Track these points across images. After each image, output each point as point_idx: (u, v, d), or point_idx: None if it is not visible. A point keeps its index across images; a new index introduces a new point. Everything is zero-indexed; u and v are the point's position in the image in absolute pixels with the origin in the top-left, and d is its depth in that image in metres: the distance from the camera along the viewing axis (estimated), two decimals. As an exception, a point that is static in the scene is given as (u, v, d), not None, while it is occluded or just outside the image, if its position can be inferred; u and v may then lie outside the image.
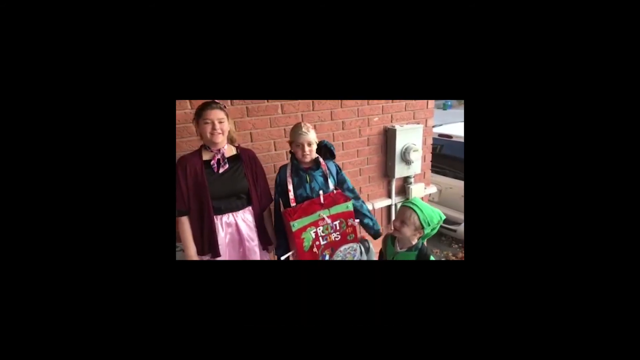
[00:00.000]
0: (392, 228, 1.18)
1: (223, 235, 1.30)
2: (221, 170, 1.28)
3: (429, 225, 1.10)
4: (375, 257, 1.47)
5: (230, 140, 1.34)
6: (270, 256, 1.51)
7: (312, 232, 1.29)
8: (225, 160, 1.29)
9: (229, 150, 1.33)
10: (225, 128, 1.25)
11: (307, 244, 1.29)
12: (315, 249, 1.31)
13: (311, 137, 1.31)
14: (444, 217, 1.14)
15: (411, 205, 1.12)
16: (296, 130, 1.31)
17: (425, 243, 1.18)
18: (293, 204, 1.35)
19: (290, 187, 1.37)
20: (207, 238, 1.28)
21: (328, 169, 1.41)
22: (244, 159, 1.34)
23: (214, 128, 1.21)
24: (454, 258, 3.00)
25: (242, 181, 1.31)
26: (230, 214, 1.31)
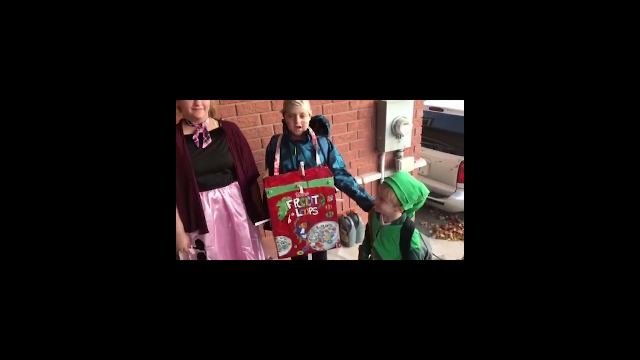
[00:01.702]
0: (375, 205, 1.18)
1: (210, 212, 1.28)
2: (204, 145, 1.23)
3: (407, 202, 1.08)
4: (363, 231, 1.49)
5: (211, 113, 1.28)
6: (261, 230, 1.51)
7: (287, 202, 1.28)
8: (208, 134, 1.24)
9: (211, 124, 1.28)
10: (207, 103, 1.19)
11: (281, 213, 1.29)
12: (290, 220, 1.31)
13: (304, 108, 1.27)
14: (427, 192, 1.12)
15: (389, 182, 1.10)
16: (289, 100, 1.27)
17: (412, 217, 1.18)
18: (276, 174, 1.35)
19: (277, 156, 1.36)
20: (193, 215, 1.26)
21: (319, 144, 1.38)
22: (227, 133, 1.29)
23: (195, 104, 1.15)
24: (440, 229, 3.09)
25: (226, 155, 1.28)
26: (216, 190, 1.29)
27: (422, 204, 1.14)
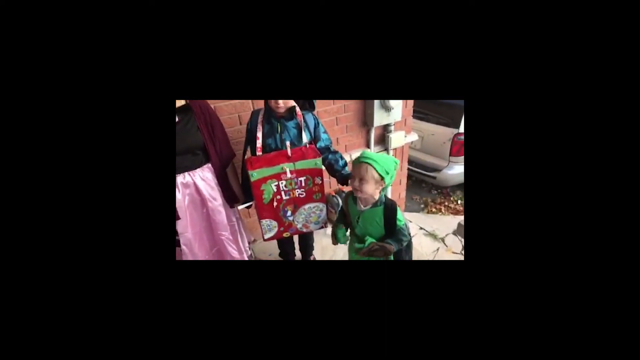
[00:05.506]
0: (353, 190, 1.10)
1: (181, 197, 1.19)
2: (169, 124, 1.11)
3: (388, 173, 1.05)
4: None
5: None
6: (238, 212, 1.43)
7: (273, 185, 1.20)
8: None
9: (177, 102, 1.14)
10: None
11: (266, 196, 1.21)
12: (275, 203, 1.23)
13: None
14: (397, 161, 1.12)
15: (365, 160, 1.05)
16: None
17: (389, 193, 1.15)
18: (259, 153, 1.25)
19: (259, 134, 1.25)
20: (163, 200, 1.17)
21: (305, 121, 1.27)
22: (195, 111, 1.16)
23: None
24: (432, 203, 3.07)
25: (195, 135, 1.16)
26: (186, 173, 1.18)
27: (394, 177, 1.11)
